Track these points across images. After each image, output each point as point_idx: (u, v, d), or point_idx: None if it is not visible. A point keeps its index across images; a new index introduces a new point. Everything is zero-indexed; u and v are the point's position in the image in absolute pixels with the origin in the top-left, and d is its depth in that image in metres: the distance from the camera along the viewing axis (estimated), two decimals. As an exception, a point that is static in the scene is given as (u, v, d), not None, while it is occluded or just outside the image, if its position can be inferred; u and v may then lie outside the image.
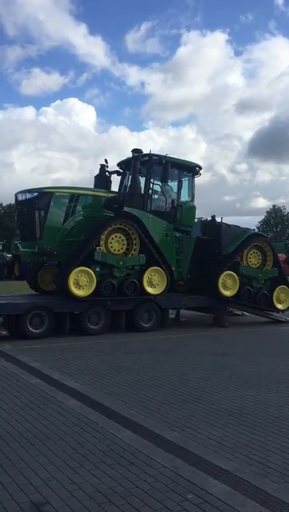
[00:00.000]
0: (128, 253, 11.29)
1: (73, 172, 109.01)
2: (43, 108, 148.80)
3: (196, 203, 12.92)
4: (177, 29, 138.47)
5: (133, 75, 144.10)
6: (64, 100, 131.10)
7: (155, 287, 11.49)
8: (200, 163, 13.28)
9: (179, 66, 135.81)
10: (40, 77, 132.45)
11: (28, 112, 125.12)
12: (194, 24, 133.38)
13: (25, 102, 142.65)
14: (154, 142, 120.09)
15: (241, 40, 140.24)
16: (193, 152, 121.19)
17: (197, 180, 13.16)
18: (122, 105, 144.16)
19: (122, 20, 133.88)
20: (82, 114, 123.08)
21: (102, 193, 11.94)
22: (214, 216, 13.58)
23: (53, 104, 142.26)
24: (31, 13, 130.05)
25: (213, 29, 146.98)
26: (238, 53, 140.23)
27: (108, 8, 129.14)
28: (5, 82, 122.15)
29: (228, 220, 13.72)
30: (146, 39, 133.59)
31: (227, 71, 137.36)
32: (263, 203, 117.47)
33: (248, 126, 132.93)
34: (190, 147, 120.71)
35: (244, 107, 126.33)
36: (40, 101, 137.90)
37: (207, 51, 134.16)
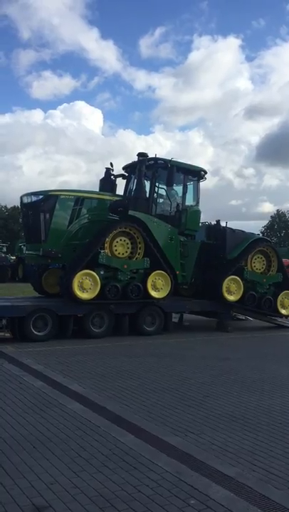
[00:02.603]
0: (132, 257, 11.29)
1: (80, 175, 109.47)
2: (50, 111, 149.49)
3: (201, 207, 12.94)
4: (191, 34, 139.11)
5: (144, 79, 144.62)
6: (71, 103, 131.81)
7: (159, 291, 11.48)
8: (208, 167, 13.42)
9: (190, 71, 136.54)
10: (52, 80, 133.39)
11: (36, 115, 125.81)
12: (208, 29, 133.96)
13: (36, 105, 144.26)
14: (162, 146, 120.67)
15: (253, 45, 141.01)
16: (201, 156, 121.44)
17: (203, 184, 13.21)
18: (131, 109, 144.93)
19: (136, 25, 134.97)
20: (90, 117, 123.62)
21: (107, 197, 11.95)
22: (219, 221, 13.58)
23: (59, 107, 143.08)
24: (46, 18, 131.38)
25: (226, 34, 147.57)
26: (250, 58, 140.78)
27: (123, 14, 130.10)
28: (17, 85, 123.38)
29: (233, 224, 13.72)
30: (159, 44, 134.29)
31: (238, 76, 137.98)
32: (269, 208, 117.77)
33: (257, 131, 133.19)
34: (198, 151, 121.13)
35: (254, 112, 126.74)
36: (51, 104, 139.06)
37: (219, 56, 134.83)
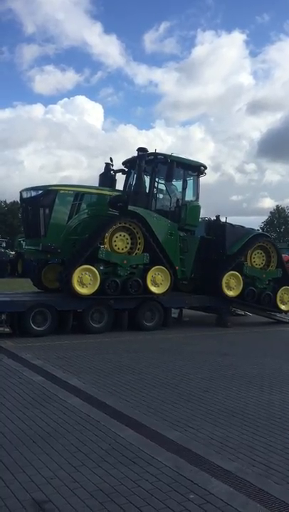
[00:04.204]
0: (132, 252, 11.28)
1: (82, 170, 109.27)
2: (50, 106, 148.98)
3: (202, 202, 12.93)
4: (196, 29, 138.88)
5: (148, 74, 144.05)
6: (71, 98, 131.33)
7: (159, 286, 11.47)
8: (209, 162, 13.45)
9: (194, 66, 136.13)
10: (55, 75, 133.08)
11: (37, 110, 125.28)
12: (213, 24, 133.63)
13: (39, 100, 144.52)
14: (163, 141, 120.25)
15: (257, 40, 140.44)
16: (202, 152, 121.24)
17: (204, 179, 13.19)
18: (134, 104, 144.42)
19: (141, 20, 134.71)
20: (91, 112, 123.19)
21: (106, 192, 11.93)
22: (219, 216, 13.56)
23: (60, 102, 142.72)
24: (51, 13, 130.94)
25: (231, 29, 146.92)
26: (254, 54, 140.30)
27: (128, 9, 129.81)
28: (20, 80, 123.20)
29: (233, 219, 13.70)
30: (164, 39, 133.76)
31: (242, 71, 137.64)
32: (270, 203, 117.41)
33: (260, 127, 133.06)
34: (199, 147, 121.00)
35: (257, 107, 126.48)
36: (54, 99, 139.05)
37: (224, 51, 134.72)
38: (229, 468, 4.05)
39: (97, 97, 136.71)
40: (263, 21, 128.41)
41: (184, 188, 12.65)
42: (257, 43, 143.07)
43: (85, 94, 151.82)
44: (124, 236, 11.14)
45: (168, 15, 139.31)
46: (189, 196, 12.75)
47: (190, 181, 12.85)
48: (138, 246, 11.29)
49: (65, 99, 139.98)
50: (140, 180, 11.79)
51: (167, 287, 11.56)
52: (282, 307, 13.73)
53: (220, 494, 3.60)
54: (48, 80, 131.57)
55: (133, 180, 12.43)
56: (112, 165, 12.92)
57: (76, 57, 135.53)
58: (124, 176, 13.18)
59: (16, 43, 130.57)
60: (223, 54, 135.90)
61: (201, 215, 13.10)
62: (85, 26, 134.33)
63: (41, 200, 11.01)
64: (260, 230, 22.76)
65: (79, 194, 11.34)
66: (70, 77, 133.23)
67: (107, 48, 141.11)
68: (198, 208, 12.66)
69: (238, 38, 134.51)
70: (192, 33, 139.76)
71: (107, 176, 12.85)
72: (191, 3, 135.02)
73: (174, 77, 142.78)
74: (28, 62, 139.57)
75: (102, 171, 13.02)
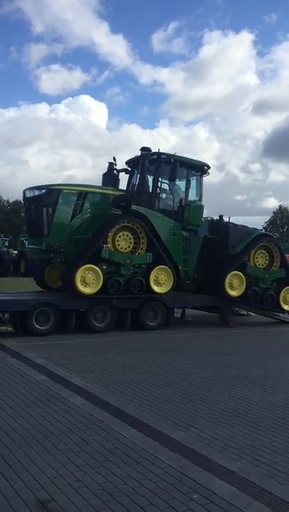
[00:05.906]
0: (135, 251, 11.28)
1: (86, 169, 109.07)
2: (54, 105, 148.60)
3: (204, 202, 12.90)
4: (205, 29, 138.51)
5: (155, 74, 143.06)
6: (75, 98, 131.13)
7: (161, 286, 11.47)
8: (213, 162, 13.38)
9: (202, 66, 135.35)
10: (61, 74, 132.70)
11: (42, 109, 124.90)
12: (222, 24, 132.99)
13: (46, 100, 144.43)
14: (167, 141, 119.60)
15: (265, 40, 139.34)
16: (207, 151, 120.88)
17: (208, 179, 13.17)
18: (141, 104, 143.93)
19: (150, 20, 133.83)
20: (96, 111, 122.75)
21: (109, 191, 11.93)
22: (222, 216, 13.55)
23: (64, 101, 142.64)
24: (59, 12, 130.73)
25: (239, 29, 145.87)
26: (261, 54, 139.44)
27: (137, 9, 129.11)
28: (27, 80, 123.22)
29: (237, 219, 13.68)
30: (172, 39, 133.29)
31: (249, 71, 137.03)
32: (274, 203, 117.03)
33: (265, 127, 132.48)
34: (204, 146, 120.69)
35: (263, 107, 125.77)
36: (61, 98, 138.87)
37: (232, 51, 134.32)
38: (232, 469, 4.04)
39: (104, 96, 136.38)
40: (271, 21, 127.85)
41: (187, 187, 12.63)
42: (265, 43, 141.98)
43: (91, 93, 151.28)
44: (127, 235, 11.14)
45: (177, 15, 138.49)
46: (192, 196, 12.73)
47: (193, 181, 12.84)
48: (141, 245, 11.29)
49: (70, 98, 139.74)
50: (143, 180, 11.79)
51: (170, 287, 11.56)
52: (285, 307, 13.71)
53: (223, 494, 3.59)
54: (54, 79, 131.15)
55: (136, 180, 12.41)
56: (116, 164, 12.93)
57: (83, 57, 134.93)
58: (128, 175, 13.18)
59: (24, 42, 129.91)
60: (231, 54, 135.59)
61: (205, 215, 13.11)
62: (93, 26, 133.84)
63: (44, 199, 11.03)
64: (263, 230, 22.75)
65: (82, 193, 11.34)
66: (77, 77, 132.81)
67: (114, 47, 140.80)
68: (201, 207, 12.65)
69: (246, 37, 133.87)
70: (201, 33, 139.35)
71: (111, 176, 12.86)
72: (201, 2, 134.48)
73: (181, 76, 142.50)
74: (36, 62, 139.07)
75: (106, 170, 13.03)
